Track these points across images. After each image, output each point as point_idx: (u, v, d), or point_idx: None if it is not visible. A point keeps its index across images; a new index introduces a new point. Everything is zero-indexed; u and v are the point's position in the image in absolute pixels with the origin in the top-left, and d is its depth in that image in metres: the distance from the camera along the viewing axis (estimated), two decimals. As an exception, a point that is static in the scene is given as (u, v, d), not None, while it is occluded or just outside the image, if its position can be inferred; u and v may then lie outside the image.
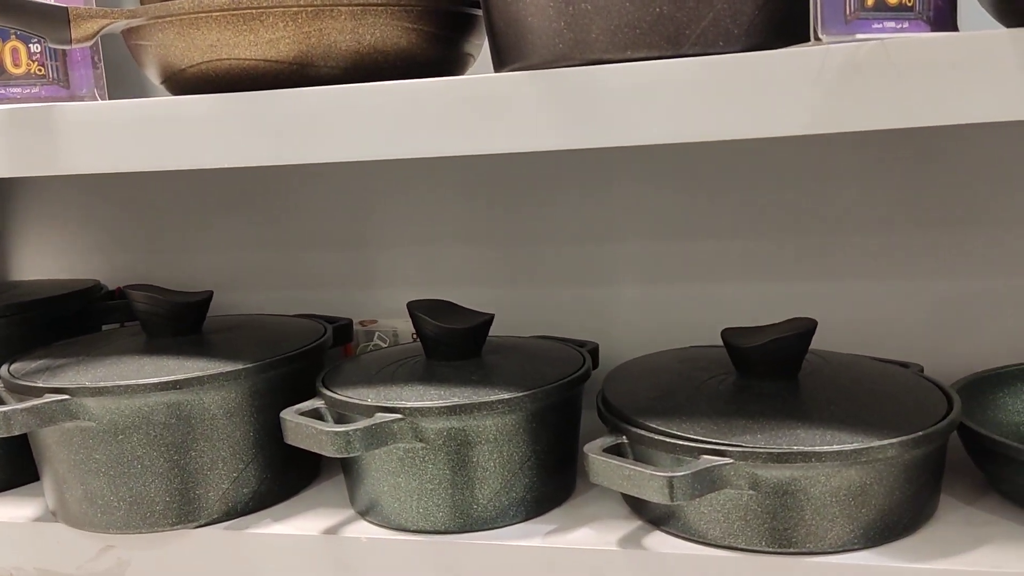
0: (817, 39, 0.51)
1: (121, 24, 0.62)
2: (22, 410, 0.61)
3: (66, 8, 0.61)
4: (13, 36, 0.69)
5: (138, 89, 0.89)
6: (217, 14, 0.59)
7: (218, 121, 0.59)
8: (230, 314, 0.81)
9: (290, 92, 0.58)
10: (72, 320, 0.81)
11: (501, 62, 0.61)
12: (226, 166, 0.60)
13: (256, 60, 0.60)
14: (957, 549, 0.56)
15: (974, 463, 0.64)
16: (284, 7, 0.58)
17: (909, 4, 0.54)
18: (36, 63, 0.70)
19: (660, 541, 0.60)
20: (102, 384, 0.62)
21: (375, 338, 0.89)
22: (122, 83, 0.85)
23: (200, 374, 0.63)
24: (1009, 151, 0.76)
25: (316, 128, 0.58)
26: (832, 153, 0.79)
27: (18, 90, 0.70)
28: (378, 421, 0.60)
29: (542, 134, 0.54)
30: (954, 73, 0.48)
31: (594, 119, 0.53)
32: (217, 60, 0.61)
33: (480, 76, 0.55)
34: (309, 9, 0.59)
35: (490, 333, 0.70)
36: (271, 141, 0.59)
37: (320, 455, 0.72)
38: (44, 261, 1.00)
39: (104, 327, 0.86)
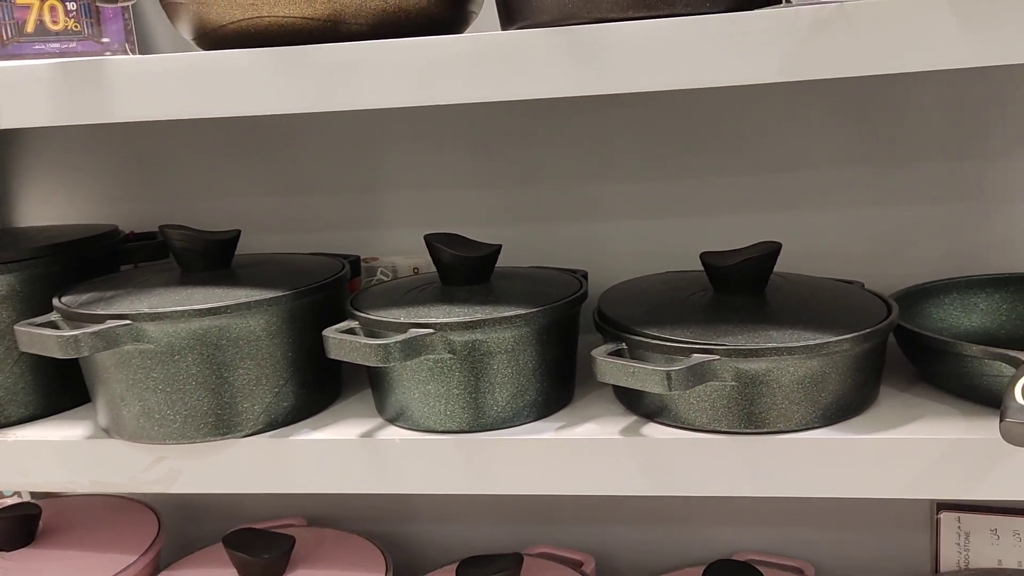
0: (788, 1, 0.62)
1: (166, -16, 0.68)
2: (90, 334, 0.68)
3: (114, -32, 0.67)
4: (51, -7, 0.74)
5: (148, 42, 0.95)
6: (261, -25, 0.66)
7: (263, 71, 0.66)
8: (246, 254, 0.88)
9: (328, 46, 0.65)
10: (99, 261, 0.87)
11: (510, 20, 0.69)
12: (267, 113, 0.67)
13: (294, 17, 0.67)
14: (895, 424, 0.69)
15: (908, 359, 0.77)
16: (322, -30, 0.66)
17: (861, -30, 0.64)
18: (72, 20, 0.75)
19: (655, 430, 0.71)
20: (160, 310, 0.69)
21: (378, 273, 0.97)
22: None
23: (247, 299, 0.71)
24: (938, 99, 0.88)
25: (351, 78, 0.65)
26: (793, 103, 0.90)
27: (56, 45, 0.75)
28: (412, 335, 0.68)
29: (555, 82, 0.63)
30: (898, 29, 0.59)
31: (600, 69, 0.62)
32: (257, 17, 0.67)
33: (497, 33, 0.64)
34: (343, -29, 0.66)
35: (494, 263, 0.79)
36: (309, 90, 0.66)
37: (341, 375, 0.82)
38: (49, 208, 1.05)
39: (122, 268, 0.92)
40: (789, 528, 0.99)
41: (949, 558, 0.96)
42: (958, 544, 0.95)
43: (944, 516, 0.95)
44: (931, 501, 0.95)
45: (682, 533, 1.01)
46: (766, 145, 0.91)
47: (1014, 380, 0.55)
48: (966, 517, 0.95)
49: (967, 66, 0.58)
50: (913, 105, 0.88)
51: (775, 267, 0.77)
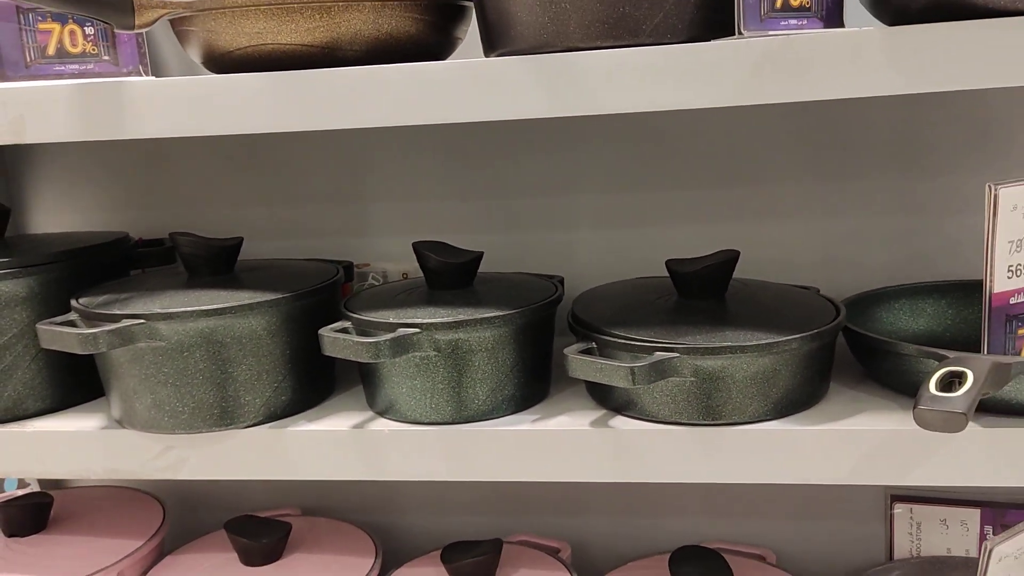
0: (740, 34, 0.69)
1: (178, 13, 0.75)
2: (108, 331, 0.74)
3: (132, -1, 0.74)
4: (71, 20, 0.81)
5: (159, 64, 1.01)
6: (264, 7, 0.72)
7: (266, 94, 0.73)
8: (250, 258, 0.95)
9: (326, 71, 0.72)
10: (111, 266, 0.93)
11: (491, 47, 0.76)
12: (269, 131, 0.74)
13: (295, 45, 0.74)
14: (840, 416, 0.75)
15: (856, 359, 0.84)
16: (320, 2, 0.72)
17: (807, 5, 0.71)
18: (90, 43, 0.82)
19: (622, 422, 0.77)
20: (172, 310, 0.76)
21: (369, 278, 1.04)
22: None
23: (249, 301, 0.78)
24: (886, 119, 0.95)
25: (346, 101, 0.72)
26: (753, 121, 0.97)
27: (76, 66, 0.82)
28: (400, 334, 0.75)
29: (531, 105, 0.70)
30: (839, 59, 0.66)
31: (572, 93, 0.69)
32: (261, 45, 0.74)
33: (480, 59, 0.70)
34: (340, 4, 0.72)
35: (476, 269, 0.86)
36: (308, 111, 0.73)
37: (335, 372, 0.88)
38: (62, 217, 1.11)
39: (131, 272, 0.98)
40: (753, 518, 1.06)
41: (902, 546, 1.03)
42: (910, 533, 1.02)
43: (897, 507, 1.02)
44: (885, 493, 1.02)
45: (653, 522, 1.07)
46: (729, 160, 0.98)
47: (932, 373, 0.61)
48: (918, 508, 1.01)
49: (895, 93, 0.66)
50: (864, 124, 0.95)
51: (737, 273, 0.84)
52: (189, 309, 0.76)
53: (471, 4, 0.80)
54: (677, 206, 0.99)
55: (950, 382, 0.59)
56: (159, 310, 0.76)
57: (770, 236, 0.98)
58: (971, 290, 0.90)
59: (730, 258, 0.82)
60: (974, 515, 1.00)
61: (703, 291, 0.82)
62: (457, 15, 0.80)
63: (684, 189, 0.99)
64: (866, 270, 0.97)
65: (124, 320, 0.76)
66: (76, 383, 0.88)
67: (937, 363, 0.67)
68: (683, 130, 0.98)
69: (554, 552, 1.01)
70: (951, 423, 0.55)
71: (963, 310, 0.92)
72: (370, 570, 0.93)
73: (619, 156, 1.00)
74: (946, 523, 1.01)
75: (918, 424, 0.58)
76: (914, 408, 0.58)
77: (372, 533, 1.01)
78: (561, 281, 0.91)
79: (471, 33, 0.82)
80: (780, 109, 0.96)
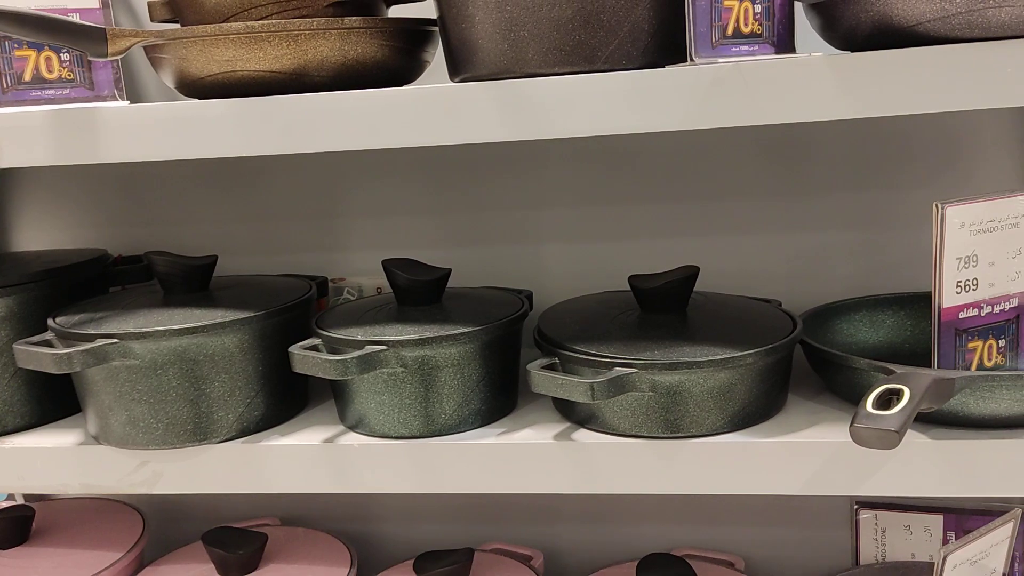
0: (692, 60, 0.71)
1: (150, 41, 0.77)
2: (81, 351, 0.76)
3: (104, 28, 0.76)
4: (46, 47, 0.83)
5: (136, 88, 1.03)
6: (233, 35, 0.74)
7: (235, 120, 0.75)
8: (224, 276, 0.97)
9: (293, 97, 0.74)
10: (89, 283, 0.95)
11: (455, 71, 0.79)
12: (240, 155, 0.76)
13: (263, 71, 0.76)
14: (795, 428, 0.78)
15: (815, 371, 0.86)
16: (288, 31, 0.74)
17: (758, 32, 0.73)
18: (66, 69, 0.84)
19: (584, 435, 0.79)
20: (144, 329, 0.78)
21: (344, 292, 1.06)
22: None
23: (222, 320, 0.80)
24: (845, 138, 0.97)
25: (313, 126, 0.74)
26: (714, 139, 0.99)
27: (52, 92, 0.84)
28: (367, 352, 0.77)
29: (491, 129, 0.72)
30: (788, 85, 0.68)
31: (530, 118, 0.72)
32: (231, 71, 0.76)
33: (441, 85, 0.73)
34: (307, 32, 0.75)
35: (446, 285, 0.88)
36: (276, 136, 0.75)
37: (308, 387, 0.90)
38: (42, 234, 1.13)
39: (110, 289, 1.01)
40: (722, 525, 1.08)
41: (868, 552, 1.05)
42: (876, 539, 1.04)
43: (863, 514, 1.04)
44: (851, 500, 1.04)
45: (625, 530, 1.10)
46: (696, 176, 1.00)
47: (871, 390, 0.63)
48: (882, 515, 1.04)
49: (843, 118, 0.68)
50: (824, 140, 0.98)
51: (703, 287, 0.86)
52: (161, 328, 0.78)
53: (436, 29, 0.82)
54: (645, 221, 1.02)
55: (888, 399, 0.62)
56: (132, 329, 0.78)
57: (735, 250, 1.01)
58: (930, 301, 0.92)
59: (690, 274, 0.84)
60: (937, 521, 1.02)
61: (664, 306, 0.84)
62: (423, 39, 0.83)
63: (652, 204, 1.02)
64: (829, 283, 1.00)
65: (98, 340, 0.78)
66: (54, 400, 0.90)
67: (885, 376, 0.69)
68: (651, 147, 1.01)
69: (526, 560, 1.03)
70: (885, 440, 0.57)
71: (922, 321, 0.94)
72: (344, 579, 0.95)
73: (587, 173, 1.02)
74: (910, 529, 1.03)
75: (854, 441, 0.60)
76: (850, 425, 0.60)
77: (348, 542, 1.03)
78: (529, 296, 0.94)
79: (442, 54, 0.84)
80: (738, 130, 0.97)
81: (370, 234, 1.07)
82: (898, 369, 0.70)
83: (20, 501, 1.17)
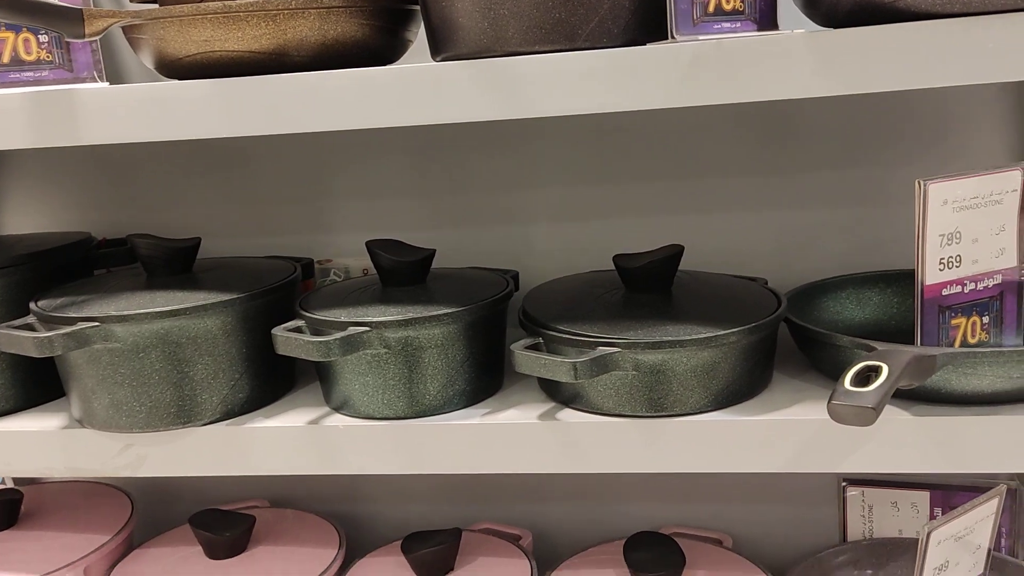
0: (673, 38, 0.70)
1: (127, 21, 0.76)
2: (63, 335, 0.76)
3: (80, 9, 0.75)
4: (24, 29, 0.82)
5: (117, 69, 1.03)
6: (211, 15, 0.74)
7: (218, 100, 0.74)
8: (209, 257, 0.96)
9: (272, 77, 0.73)
10: (73, 266, 0.95)
11: (437, 51, 0.78)
12: (222, 136, 0.75)
13: (242, 51, 0.75)
14: (779, 406, 0.78)
15: (800, 349, 0.86)
16: (266, 10, 0.73)
17: (740, 8, 0.73)
18: (44, 51, 0.83)
19: (569, 415, 0.79)
20: (126, 312, 0.78)
21: (331, 274, 1.06)
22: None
23: (204, 302, 0.79)
24: (831, 115, 0.97)
25: (293, 106, 0.74)
26: (700, 116, 0.99)
27: (30, 74, 0.83)
28: (350, 333, 0.77)
29: (473, 108, 0.72)
30: (768, 62, 0.68)
31: (512, 96, 0.71)
32: (210, 52, 0.76)
33: (423, 64, 0.72)
34: (286, 11, 0.74)
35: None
36: (256, 117, 0.74)
37: (294, 368, 0.90)
38: (26, 218, 1.13)
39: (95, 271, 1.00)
40: (710, 504, 1.08)
41: (855, 529, 1.05)
42: (863, 516, 1.05)
43: (850, 491, 1.05)
44: (838, 477, 1.05)
45: (613, 508, 1.10)
46: (682, 154, 1.00)
47: (850, 367, 0.63)
48: (869, 491, 1.04)
49: (823, 95, 0.68)
50: (811, 117, 0.97)
51: (690, 265, 0.86)
52: (143, 311, 0.78)
53: (418, 8, 0.82)
54: (632, 200, 1.01)
55: (867, 376, 0.62)
56: (114, 312, 0.78)
57: (722, 228, 1.00)
58: (915, 280, 0.93)
59: (674, 253, 0.84)
60: (924, 497, 1.03)
61: (649, 285, 0.84)
62: (405, 18, 0.82)
63: (639, 182, 1.01)
64: (817, 261, 0.99)
65: (79, 323, 0.77)
66: (39, 383, 0.90)
67: (867, 353, 0.69)
68: (637, 125, 1.00)
69: (515, 540, 1.03)
70: (861, 417, 0.57)
71: (908, 298, 0.93)
72: (332, 561, 0.95)
73: (573, 152, 1.02)
74: (897, 506, 1.04)
75: (831, 417, 0.60)
76: (828, 402, 0.60)
77: (337, 524, 1.03)
78: (515, 276, 0.93)
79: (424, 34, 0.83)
80: (724, 107, 0.97)
81: (356, 215, 1.06)
82: (880, 346, 0.70)
83: (9, 485, 1.17)
